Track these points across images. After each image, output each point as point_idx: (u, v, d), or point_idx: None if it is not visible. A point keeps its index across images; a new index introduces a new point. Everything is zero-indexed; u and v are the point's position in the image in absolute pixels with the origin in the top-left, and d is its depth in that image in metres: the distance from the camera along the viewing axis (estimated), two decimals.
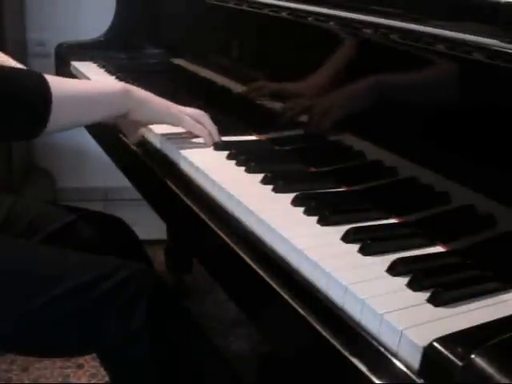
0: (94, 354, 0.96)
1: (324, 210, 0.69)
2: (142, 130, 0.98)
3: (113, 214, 1.14)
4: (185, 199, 0.79)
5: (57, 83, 0.81)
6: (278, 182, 0.77)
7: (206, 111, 0.96)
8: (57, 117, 0.80)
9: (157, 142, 0.95)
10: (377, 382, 0.48)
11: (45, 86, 0.79)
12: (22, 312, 0.82)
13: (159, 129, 0.97)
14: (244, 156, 0.85)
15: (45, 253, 0.90)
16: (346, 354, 0.51)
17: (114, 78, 1.35)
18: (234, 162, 0.86)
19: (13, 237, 0.98)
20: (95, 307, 0.84)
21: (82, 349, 0.93)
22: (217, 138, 0.94)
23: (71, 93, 0.84)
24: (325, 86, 0.87)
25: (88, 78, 1.35)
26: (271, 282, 0.60)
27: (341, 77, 0.84)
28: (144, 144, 0.97)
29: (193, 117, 0.94)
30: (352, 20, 0.82)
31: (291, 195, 0.73)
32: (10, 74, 0.81)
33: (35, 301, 0.81)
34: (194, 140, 0.94)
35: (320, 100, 0.87)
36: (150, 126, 0.98)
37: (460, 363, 0.45)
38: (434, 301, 0.53)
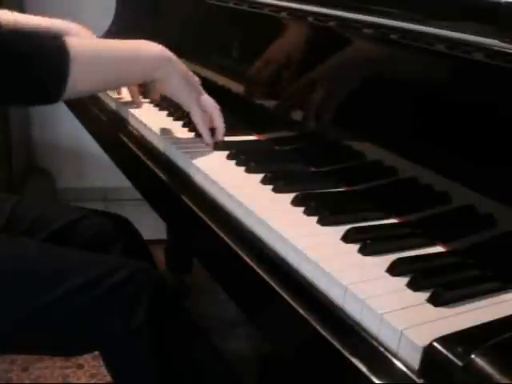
0: (94, 354, 0.96)
1: (324, 210, 0.69)
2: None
3: (117, 213, 1.14)
4: (185, 199, 0.79)
5: (81, 46, 0.76)
6: (278, 181, 0.77)
7: None
8: (77, 80, 0.75)
9: (158, 143, 0.95)
10: (377, 382, 0.48)
11: (63, 47, 0.74)
12: (23, 311, 0.82)
13: (161, 131, 0.97)
14: (244, 156, 0.85)
15: (45, 252, 0.89)
16: (346, 354, 0.51)
17: None
18: (233, 161, 0.85)
19: (15, 236, 0.98)
20: (96, 306, 0.84)
21: (83, 347, 0.93)
22: (221, 136, 0.92)
23: (95, 53, 0.79)
24: (324, 85, 0.87)
25: None
26: (271, 282, 0.60)
27: (341, 76, 0.84)
28: (144, 144, 0.97)
29: (204, 106, 0.91)
30: (352, 20, 0.82)
31: (291, 195, 0.73)
32: (26, 35, 0.76)
33: (36, 300, 0.81)
34: (195, 140, 0.94)
35: (318, 97, 0.87)
36: (151, 127, 0.98)
37: (460, 363, 0.45)
38: (434, 301, 0.53)
